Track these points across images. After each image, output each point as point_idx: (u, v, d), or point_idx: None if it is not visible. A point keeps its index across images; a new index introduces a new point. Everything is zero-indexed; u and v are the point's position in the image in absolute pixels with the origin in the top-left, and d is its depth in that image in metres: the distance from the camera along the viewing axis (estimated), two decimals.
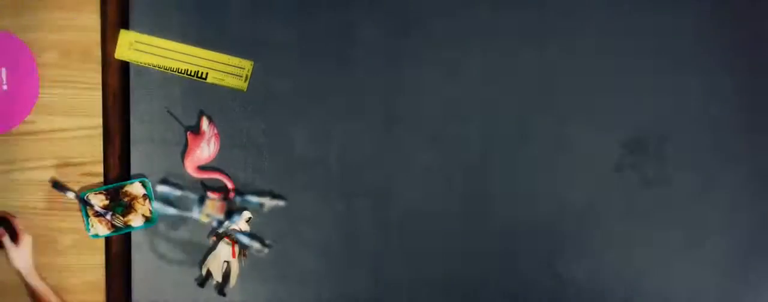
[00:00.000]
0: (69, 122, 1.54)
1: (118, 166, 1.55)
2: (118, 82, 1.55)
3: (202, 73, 1.55)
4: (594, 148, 1.58)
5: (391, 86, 1.57)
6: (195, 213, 1.54)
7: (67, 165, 1.54)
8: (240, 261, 1.56)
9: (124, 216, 1.53)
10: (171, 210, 1.54)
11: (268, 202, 1.54)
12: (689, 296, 1.58)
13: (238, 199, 1.54)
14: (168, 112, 1.53)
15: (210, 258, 1.56)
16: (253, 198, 1.54)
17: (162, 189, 1.54)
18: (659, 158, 1.58)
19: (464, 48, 1.57)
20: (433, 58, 1.57)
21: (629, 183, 1.58)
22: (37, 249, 1.50)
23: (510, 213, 1.57)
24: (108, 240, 1.56)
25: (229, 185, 1.55)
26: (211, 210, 1.54)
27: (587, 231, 1.58)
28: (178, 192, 1.53)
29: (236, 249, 1.55)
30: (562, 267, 1.58)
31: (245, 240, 1.53)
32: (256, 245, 1.54)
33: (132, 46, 1.54)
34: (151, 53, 1.53)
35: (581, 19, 1.58)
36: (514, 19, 1.57)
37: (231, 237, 1.54)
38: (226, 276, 1.56)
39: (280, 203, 1.54)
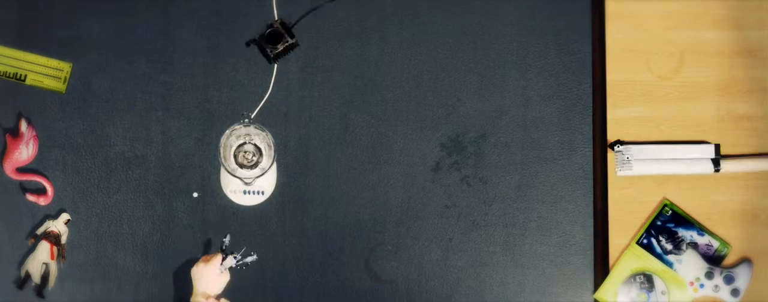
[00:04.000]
0: None
1: None
2: None
3: (20, 75, 1.56)
4: (413, 148, 1.59)
5: (209, 85, 1.58)
6: None
7: None
8: (58, 262, 1.55)
9: None
10: None
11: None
12: (507, 295, 1.58)
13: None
14: None
15: (28, 259, 1.55)
16: None
17: None
18: (478, 158, 1.60)
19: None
20: (245, 56, 1.59)
21: (448, 183, 1.59)
22: None
23: (328, 214, 1.58)
24: None
25: (48, 187, 1.55)
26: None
27: (406, 231, 1.58)
28: None
29: (55, 250, 1.55)
30: (380, 268, 1.58)
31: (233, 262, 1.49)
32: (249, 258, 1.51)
33: None
34: None
35: (403, 16, 1.61)
36: (337, 17, 1.60)
37: (47, 238, 1.54)
38: (45, 277, 1.55)
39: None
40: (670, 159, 1.57)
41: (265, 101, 1.59)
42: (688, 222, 1.58)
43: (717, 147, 1.58)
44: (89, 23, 1.58)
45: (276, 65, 1.59)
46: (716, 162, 1.57)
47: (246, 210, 1.57)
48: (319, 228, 1.58)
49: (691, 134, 1.60)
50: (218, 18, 1.59)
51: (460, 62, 1.61)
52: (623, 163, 1.56)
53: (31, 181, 1.56)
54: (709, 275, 1.55)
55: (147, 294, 1.56)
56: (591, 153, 1.61)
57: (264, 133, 1.45)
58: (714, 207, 1.59)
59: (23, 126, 1.55)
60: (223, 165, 1.44)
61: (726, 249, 1.58)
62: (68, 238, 1.56)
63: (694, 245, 1.57)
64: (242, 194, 1.56)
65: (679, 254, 1.56)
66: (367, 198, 1.58)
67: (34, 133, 1.56)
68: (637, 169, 1.56)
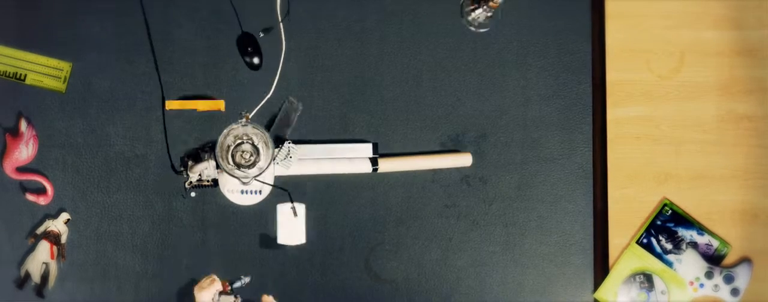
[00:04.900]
0: None
1: None
2: None
3: (20, 74, 1.56)
4: (413, 148, 1.59)
5: (209, 85, 1.58)
6: None
7: None
8: (58, 262, 1.55)
9: None
10: None
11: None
12: (507, 295, 1.58)
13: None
14: None
15: (28, 259, 1.55)
16: None
17: None
18: (477, 157, 1.60)
19: (283, 49, 1.60)
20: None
21: (448, 183, 1.59)
22: None
23: (328, 214, 1.58)
24: None
25: (48, 186, 1.55)
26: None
27: (406, 231, 1.58)
28: None
29: (55, 250, 1.55)
30: (380, 267, 1.58)
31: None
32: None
33: None
34: None
35: (403, 16, 1.61)
36: (337, 17, 1.60)
37: (47, 237, 1.54)
38: (45, 277, 1.55)
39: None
40: (329, 159, 1.55)
41: (265, 101, 1.59)
42: (688, 222, 1.58)
43: (375, 145, 1.57)
44: (89, 23, 1.58)
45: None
46: (374, 161, 1.56)
47: (246, 210, 1.57)
48: (319, 228, 1.58)
49: (691, 134, 1.61)
50: (218, 18, 1.59)
51: (460, 62, 1.61)
52: (285, 162, 1.54)
53: (31, 181, 1.56)
54: (709, 275, 1.55)
55: (147, 294, 1.56)
56: (591, 153, 1.61)
57: (262, 133, 1.45)
58: (714, 207, 1.59)
59: (23, 125, 1.55)
60: (221, 165, 1.44)
61: (726, 248, 1.58)
62: (68, 238, 1.56)
63: (694, 245, 1.57)
64: (240, 194, 1.56)
65: (679, 254, 1.56)
66: (367, 198, 1.58)
67: (34, 133, 1.56)
68: (295, 169, 1.54)
